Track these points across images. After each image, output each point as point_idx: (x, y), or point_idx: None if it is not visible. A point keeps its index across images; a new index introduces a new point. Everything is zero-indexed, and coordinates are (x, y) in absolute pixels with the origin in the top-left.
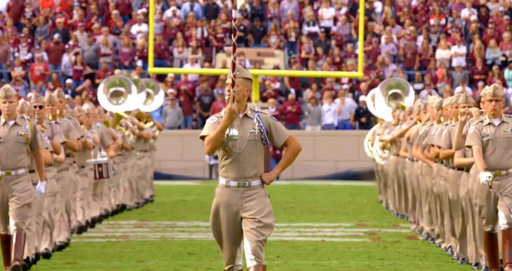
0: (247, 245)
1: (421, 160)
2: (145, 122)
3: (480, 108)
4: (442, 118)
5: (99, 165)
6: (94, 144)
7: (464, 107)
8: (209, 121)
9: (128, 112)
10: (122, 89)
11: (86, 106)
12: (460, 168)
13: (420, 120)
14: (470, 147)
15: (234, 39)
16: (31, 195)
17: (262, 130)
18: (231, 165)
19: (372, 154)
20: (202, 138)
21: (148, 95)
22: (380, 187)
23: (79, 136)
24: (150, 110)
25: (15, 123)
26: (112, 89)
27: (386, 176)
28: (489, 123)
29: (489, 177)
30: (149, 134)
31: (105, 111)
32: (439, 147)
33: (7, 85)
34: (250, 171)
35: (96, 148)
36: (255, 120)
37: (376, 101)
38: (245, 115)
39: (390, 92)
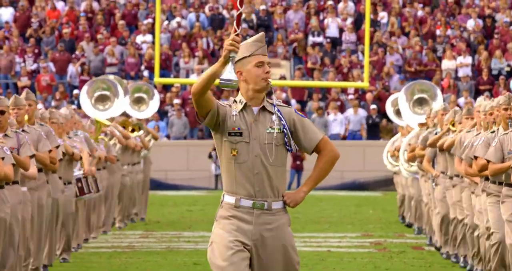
0: None
1: (467, 177)
2: (132, 131)
3: None
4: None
5: (78, 180)
6: (80, 155)
7: (506, 109)
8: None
9: (111, 119)
10: (107, 93)
11: (65, 111)
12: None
13: (449, 129)
14: None
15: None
16: None
17: (285, 130)
18: (243, 177)
19: (393, 167)
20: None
21: (142, 100)
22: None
23: (51, 147)
24: (143, 117)
25: None
26: (97, 93)
27: (405, 189)
28: None
29: None
30: (136, 144)
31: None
32: (488, 161)
33: None
34: (269, 187)
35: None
36: (274, 116)
37: (401, 109)
38: (263, 109)
39: (415, 97)
